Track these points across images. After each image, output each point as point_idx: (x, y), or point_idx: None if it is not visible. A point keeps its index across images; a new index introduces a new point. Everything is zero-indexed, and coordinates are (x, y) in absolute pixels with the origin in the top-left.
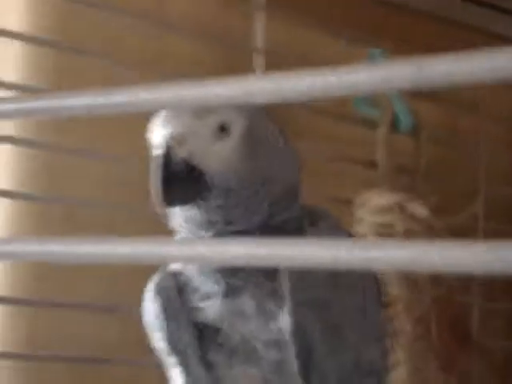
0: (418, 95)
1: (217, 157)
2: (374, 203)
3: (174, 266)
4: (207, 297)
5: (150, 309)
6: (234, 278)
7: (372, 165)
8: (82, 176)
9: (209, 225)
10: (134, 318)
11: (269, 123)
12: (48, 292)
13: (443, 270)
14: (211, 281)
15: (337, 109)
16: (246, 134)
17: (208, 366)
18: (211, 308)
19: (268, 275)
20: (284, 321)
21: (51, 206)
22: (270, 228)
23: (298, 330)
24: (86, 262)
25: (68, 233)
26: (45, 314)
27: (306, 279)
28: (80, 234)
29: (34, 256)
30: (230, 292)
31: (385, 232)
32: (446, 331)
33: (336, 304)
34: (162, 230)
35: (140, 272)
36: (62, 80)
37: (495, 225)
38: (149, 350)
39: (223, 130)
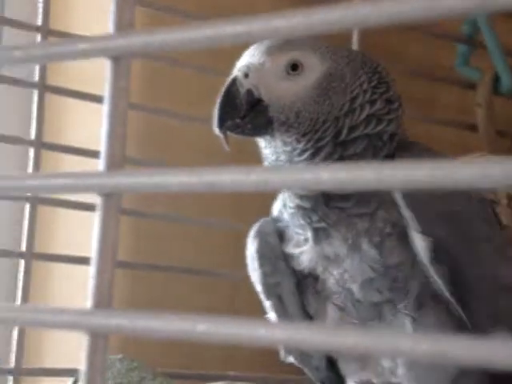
0: None
1: (282, 92)
2: None
3: (275, 213)
4: (300, 243)
5: (248, 252)
6: (322, 222)
7: (472, 128)
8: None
9: (277, 164)
10: (226, 283)
11: (359, 72)
12: (145, 256)
13: None
14: (300, 227)
15: (437, 70)
16: (322, 79)
17: (306, 315)
18: (304, 254)
19: (360, 215)
20: (418, 244)
21: None
22: None
23: (437, 246)
24: (190, 190)
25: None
26: (142, 278)
27: (424, 201)
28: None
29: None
30: (322, 236)
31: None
32: None
33: (463, 214)
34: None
35: (231, 238)
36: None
37: None
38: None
39: (295, 68)
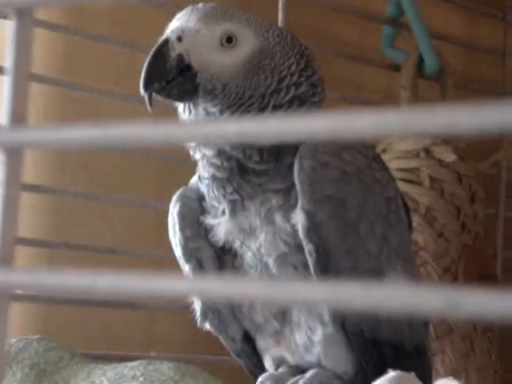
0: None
1: (213, 62)
2: (398, 148)
3: (193, 181)
4: (218, 215)
5: (170, 216)
6: (236, 194)
7: None
8: None
9: None
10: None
11: (289, 53)
12: (65, 235)
13: None
14: (215, 199)
15: (363, 52)
16: (253, 56)
17: None
18: (220, 226)
19: (276, 192)
20: (298, 218)
21: None
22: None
23: (313, 226)
24: (96, 144)
25: None
26: (59, 257)
27: (318, 175)
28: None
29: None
30: (239, 209)
31: (410, 177)
32: (474, 281)
33: (352, 203)
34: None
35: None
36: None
37: None
38: None
39: (229, 40)
